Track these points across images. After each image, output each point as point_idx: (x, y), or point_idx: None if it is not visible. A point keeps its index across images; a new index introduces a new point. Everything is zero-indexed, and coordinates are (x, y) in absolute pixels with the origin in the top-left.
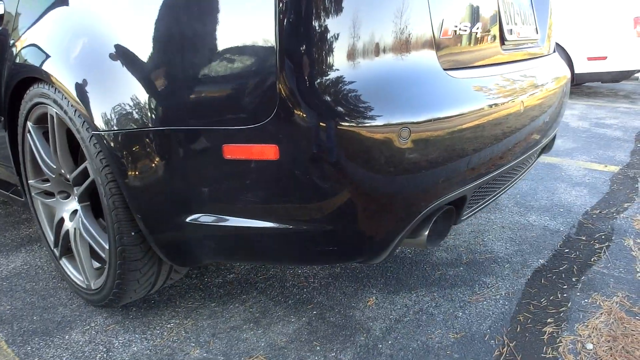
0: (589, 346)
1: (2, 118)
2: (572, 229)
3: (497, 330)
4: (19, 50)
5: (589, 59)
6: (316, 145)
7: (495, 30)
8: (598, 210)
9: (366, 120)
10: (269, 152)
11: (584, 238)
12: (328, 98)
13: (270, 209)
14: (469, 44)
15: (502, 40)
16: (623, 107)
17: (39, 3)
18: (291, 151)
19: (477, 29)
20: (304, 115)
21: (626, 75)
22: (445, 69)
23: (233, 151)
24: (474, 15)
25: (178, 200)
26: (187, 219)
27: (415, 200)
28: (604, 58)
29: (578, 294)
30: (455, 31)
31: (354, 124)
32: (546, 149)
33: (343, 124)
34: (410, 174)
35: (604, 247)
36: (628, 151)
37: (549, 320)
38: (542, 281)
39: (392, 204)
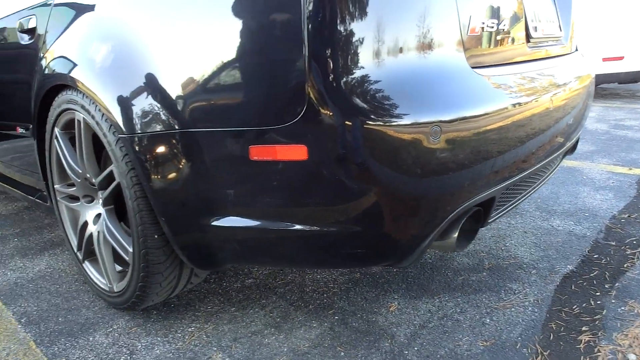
0: (632, 357)
1: (31, 126)
2: (599, 233)
3: (529, 338)
4: (48, 62)
5: (605, 59)
6: (346, 145)
7: (520, 28)
8: (627, 215)
9: (396, 119)
10: (297, 152)
11: (613, 243)
12: (358, 97)
13: (298, 210)
14: (496, 41)
15: (528, 37)
16: None
17: (66, 15)
18: (320, 151)
19: (504, 26)
20: (334, 115)
21: None
22: (472, 67)
23: (260, 152)
24: (500, 12)
25: (203, 203)
26: (212, 222)
27: (445, 201)
28: (621, 58)
29: (613, 301)
30: (482, 28)
31: (385, 123)
32: (570, 151)
33: (374, 123)
34: (440, 174)
35: (637, 253)
36: None
37: (583, 328)
38: (573, 287)
39: (422, 205)
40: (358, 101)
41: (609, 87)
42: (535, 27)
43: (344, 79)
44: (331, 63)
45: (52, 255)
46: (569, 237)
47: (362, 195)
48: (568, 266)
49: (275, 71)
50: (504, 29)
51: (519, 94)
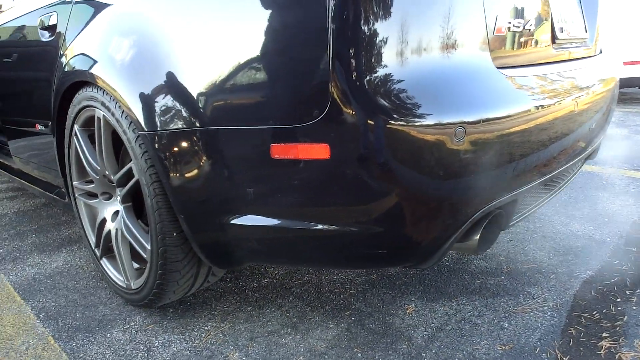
0: None
1: (50, 123)
2: (620, 239)
3: (548, 343)
4: (69, 59)
5: (626, 63)
6: (369, 144)
7: (547, 28)
8: None
9: (420, 119)
10: (320, 151)
11: (634, 249)
12: (381, 97)
13: (319, 210)
14: (522, 41)
15: (553, 38)
16: None
17: (87, 12)
18: (343, 150)
19: (530, 26)
20: (357, 114)
21: None
22: (498, 67)
23: (282, 150)
24: (527, 12)
25: (223, 201)
26: (231, 220)
27: (468, 203)
28: None
29: (634, 307)
30: (508, 28)
31: (408, 123)
32: (591, 155)
33: (398, 123)
34: (463, 175)
35: None
36: None
37: (604, 334)
38: (592, 293)
39: (444, 206)
40: (381, 101)
41: (630, 91)
42: (562, 28)
43: (368, 78)
44: (355, 62)
45: (69, 252)
46: (589, 242)
47: (384, 195)
48: (588, 271)
49: (298, 70)
50: (530, 30)
51: (544, 96)
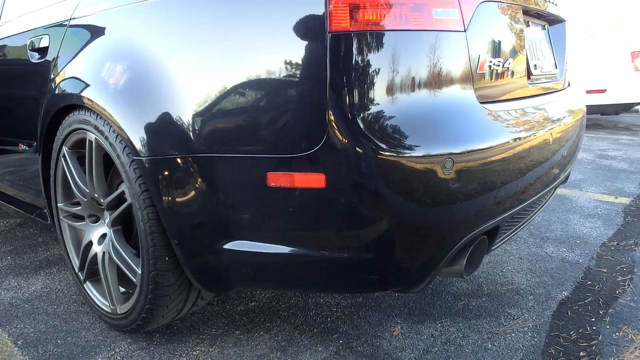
0: None
1: (35, 143)
2: (591, 260)
3: None
4: (60, 82)
5: (588, 92)
6: (363, 175)
7: (523, 66)
8: (615, 242)
9: (411, 152)
10: (316, 180)
11: (605, 270)
12: (376, 131)
13: (312, 236)
14: (501, 78)
15: (529, 74)
16: (625, 139)
17: (82, 36)
18: (338, 180)
19: (509, 64)
20: (352, 147)
21: (626, 107)
22: (481, 102)
23: (277, 179)
24: (506, 51)
25: (217, 226)
26: (225, 245)
27: (456, 229)
28: (603, 91)
29: (608, 327)
30: (489, 66)
31: (401, 156)
32: (563, 181)
33: (391, 155)
34: (452, 203)
35: (628, 280)
36: (637, 183)
37: (581, 353)
38: (569, 313)
39: (434, 233)
40: (375, 134)
41: (592, 117)
42: (535, 65)
43: (362, 113)
44: (351, 99)
45: (48, 275)
46: (563, 264)
47: (377, 223)
48: (563, 292)
49: (296, 103)
50: (508, 67)
51: (522, 127)
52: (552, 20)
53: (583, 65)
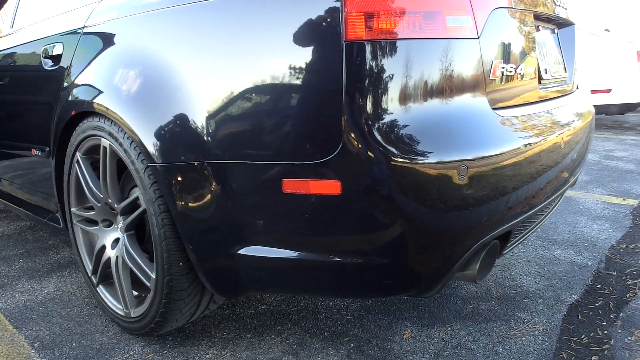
0: None
1: (47, 148)
2: (600, 263)
3: None
4: (74, 89)
5: (593, 91)
6: (379, 182)
7: (534, 71)
8: (624, 245)
9: (427, 159)
10: (331, 187)
11: (614, 273)
12: (392, 138)
13: (327, 241)
14: (513, 83)
15: (539, 79)
16: (631, 139)
17: (96, 44)
18: (354, 187)
19: (520, 70)
20: (369, 154)
21: (631, 107)
22: (493, 108)
23: (293, 185)
24: (518, 56)
25: (232, 232)
26: (240, 251)
27: (469, 234)
28: (609, 91)
29: (619, 331)
30: (502, 73)
31: (416, 162)
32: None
33: (406, 162)
34: (466, 209)
35: (638, 283)
36: None
37: (593, 358)
38: (579, 317)
39: (449, 238)
40: (392, 142)
41: (597, 117)
42: (545, 69)
43: (379, 122)
44: (366, 107)
45: (60, 278)
46: (571, 267)
47: (392, 229)
48: (573, 296)
49: (312, 111)
50: (520, 72)
51: (534, 132)
52: (561, 24)
53: (588, 65)
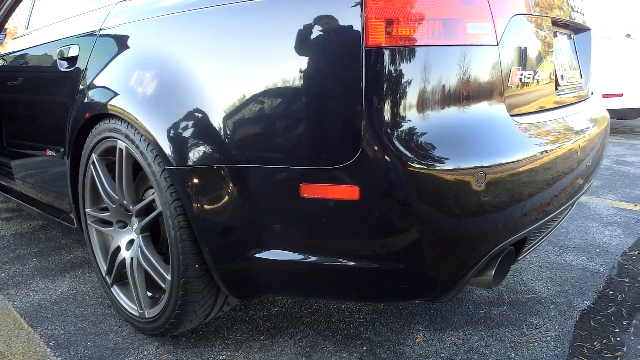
0: None
1: (62, 149)
2: (612, 270)
3: None
4: (90, 91)
5: (604, 96)
6: (398, 188)
7: (551, 77)
8: (637, 251)
9: (446, 165)
10: (350, 192)
11: (627, 280)
12: (410, 144)
13: (345, 246)
14: (531, 90)
15: (556, 85)
16: None
17: (112, 45)
18: (372, 193)
19: (538, 75)
20: (388, 160)
21: None
22: (511, 115)
23: (311, 190)
24: (535, 62)
25: (248, 235)
26: (256, 254)
27: (486, 240)
28: (620, 95)
29: (632, 338)
30: (520, 79)
31: (434, 169)
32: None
33: (425, 169)
34: (484, 215)
35: None
36: None
37: None
38: (592, 323)
39: (465, 244)
40: (411, 148)
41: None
42: (562, 76)
43: (398, 128)
44: (386, 113)
45: (73, 277)
46: (583, 273)
47: (410, 235)
48: (585, 302)
49: (331, 116)
50: (538, 79)
51: (551, 139)
52: (577, 29)
53: (600, 69)
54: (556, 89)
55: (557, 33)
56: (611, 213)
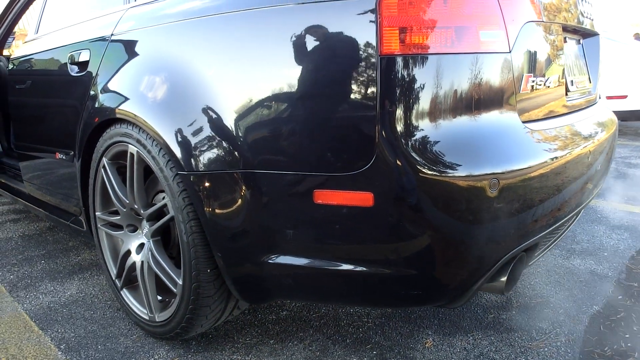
0: None
1: (72, 152)
2: (621, 274)
3: None
4: (101, 96)
5: (609, 97)
6: (412, 195)
7: (561, 83)
8: None
9: (460, 172)
10: (363, 199)
11: (636, 284)
12: (425, 152)
13: (357, 252)
14: (542, 96)
15: (566, 91)
16: None
17: (124, 51)
18: (386, 199)
19: (549, 82)
20: (402, 167)
21: None
22: (523, 122)
23: (325, 196)
24: (547, 69)
25: (262, 241)
26: (269, 259)
27: (499, 246)
28: (625, 97)
29: None
30: (532, 85)
31: (448, 176)
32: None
33: (440, 175)
34: (496, 221)
35: None
36: None
37: None
38: (602, 328)
39: (478, 250)
40: (425, 155)
41: None
42: (572, 81)
43: (412, 135)
44: (401, 120)
45: (82, 280)
46: (592, 277)
47: (423, 242)
48: (594, 306)
49: (345, 123)
50: (549, 85)
51: (562, 144)
52: (586, 34)
53: (604, 70)
54: (566, 94)
55: (567, 38)
56: (618, 216)
